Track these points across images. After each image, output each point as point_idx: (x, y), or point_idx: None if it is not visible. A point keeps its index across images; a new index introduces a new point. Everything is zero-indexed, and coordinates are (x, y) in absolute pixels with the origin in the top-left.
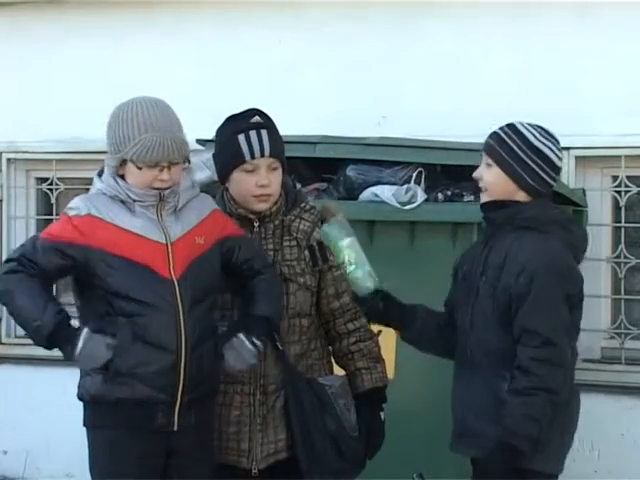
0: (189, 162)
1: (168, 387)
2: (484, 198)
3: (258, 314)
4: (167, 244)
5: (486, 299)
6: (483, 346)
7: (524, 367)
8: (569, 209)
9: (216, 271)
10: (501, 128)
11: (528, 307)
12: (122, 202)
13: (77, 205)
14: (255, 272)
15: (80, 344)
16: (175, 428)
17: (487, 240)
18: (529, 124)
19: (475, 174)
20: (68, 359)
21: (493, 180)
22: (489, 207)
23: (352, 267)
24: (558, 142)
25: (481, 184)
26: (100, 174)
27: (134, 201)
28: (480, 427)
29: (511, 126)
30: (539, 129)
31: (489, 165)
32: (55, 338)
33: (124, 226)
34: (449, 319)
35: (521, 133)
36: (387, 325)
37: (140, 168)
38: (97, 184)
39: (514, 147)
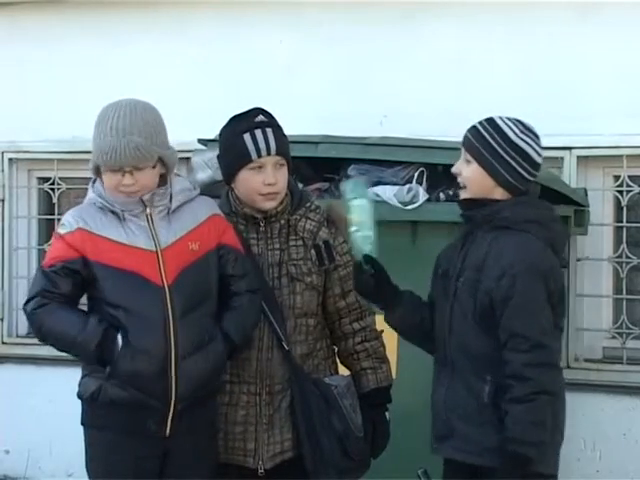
0: (164, 166)
1: (159, 394)
2: (463, 195)
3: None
4: (157, 251)
5: (465, 301)
6: (464, 349)
7: (518, 374)
8: (570, 209)
9: (212, 278)
10: (480, 122)
11: (513, 311)
12: (112, 212)
13: (67, 221)
14: (237, 293)
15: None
16: (167, 434)
17: (464, 239)
18: (509, 119)
19: (454, 169)
20: (111, 360)
21: (471, 176)
22: (468, 205)
23: (353, 228)
24: (538, 137)
25: (460, 180)
26: (95, 181)
27: (122, 211)
28: (466, 430)
29: (490, 121)
30: (519, 124)
31: (468, 161)
32: (103, 345)
33: (112, 237)
34: (431, 314)
35: (500, 128)
36: (372, 301)
37: (104, 172)
38: (89, 193)
39: (492, 143)
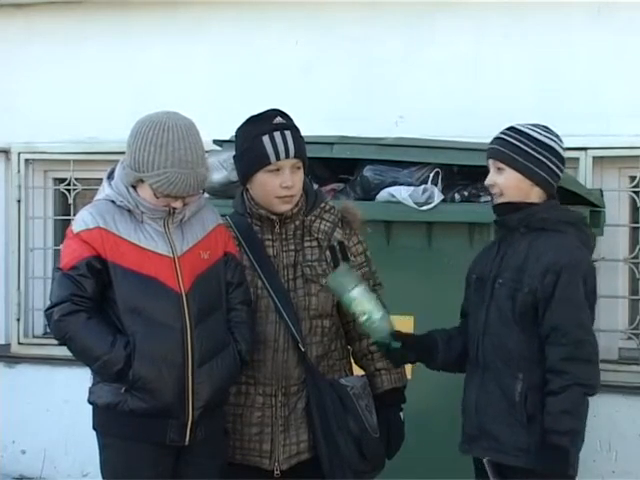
0: (204, 191)
1: (178, 402)
2: (499, 200)
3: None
4: (174, 257)
5: (504, 301)
6: (498, 349)
7: (555, 369)
8: (586, 210)
9: (222, 286)
10: (503, 132)
11: (555, 306)
12: (129, 211)
13: (83, 219)
14: (233, 304)
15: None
16: (186, 443)
17: (499, 243)
18: (528, 124)
19: (487, 182)
20: (127, 383)
21: (508, 182)
22: (502, 210)
23: (365, 317)
24: (558, 135)
25: (495, 190)
26: (109, 176)
27: (142, 212)
28: (497, 430)
29: (512, 129)
30: (539, 126)
31: (500, 169)
32: (124, 370)
33: (131, 239)
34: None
35: (525, 132)
36: (413, 363)
37: (157, 193)
38: (106, 189)
39: (522, 146)
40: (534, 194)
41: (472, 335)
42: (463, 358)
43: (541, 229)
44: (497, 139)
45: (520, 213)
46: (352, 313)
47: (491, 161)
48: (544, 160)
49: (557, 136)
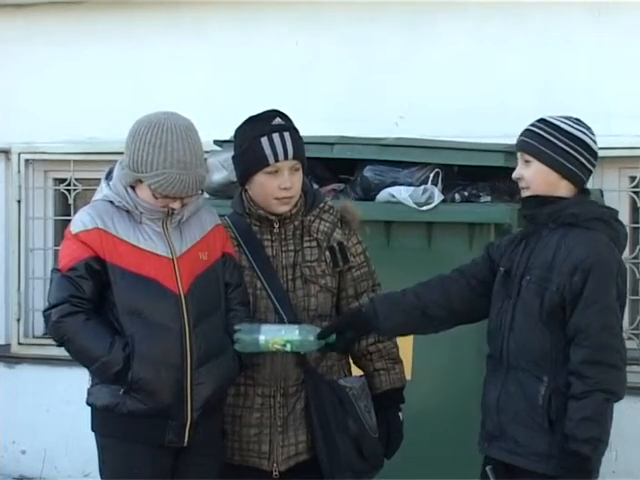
0: (202, 191)
1: (177, 404)
2: (526, 194)
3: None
4: (173, 259)
5: (531, 299)
6: (523, 348)
7: (577, 372)
8: None
9: (220, 287)
10: (532, 124)
11: (581, 306)
12: (128, 212)
13: (82, 220)
14: (232, 305)
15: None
16: (185, 444)
17: (527, 238)
18: (559, 116)
19: (515, 175)
20: (125, 385)
21: (535, 175)
22: (530, 204)
23: (288, 345)
24: (590, 128)
25: (522, 184)
26: (107, 176)
27: (141, 213)
28: (516, 432)
29: (542, 120)
30: (570, 118)
31: (527, 162)
32: (123, 372)
33: (130, 240)
34: (441, 295)
35: (554, 124)
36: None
37: (156, 194)
38: (104, 189)
39: (550, 138)
40: (563, 188)
41: (496, 331)
42: (419, 317)
43: (571, 225)
44: (526, 131)
45: (549, 207)
46: (276, 351)
47: (519, 154)
48: (573, 153)
49: (589, 129)
